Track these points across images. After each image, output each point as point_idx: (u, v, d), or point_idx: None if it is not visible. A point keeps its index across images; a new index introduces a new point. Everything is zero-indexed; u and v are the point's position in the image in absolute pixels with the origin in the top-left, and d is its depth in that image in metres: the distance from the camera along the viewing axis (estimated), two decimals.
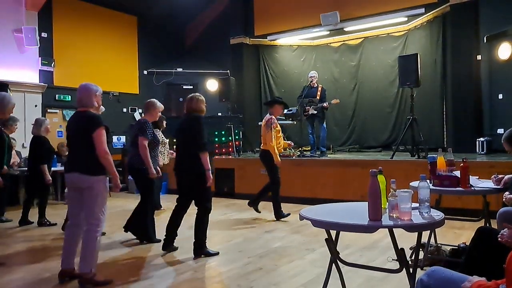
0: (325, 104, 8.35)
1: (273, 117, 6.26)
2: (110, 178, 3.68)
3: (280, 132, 6.40)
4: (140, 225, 5.03)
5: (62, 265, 3.66)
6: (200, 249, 4.41)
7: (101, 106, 4.39)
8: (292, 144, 7.22)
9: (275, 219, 6.25)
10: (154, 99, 5.29)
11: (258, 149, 10.15)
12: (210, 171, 4.32)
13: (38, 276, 3.88)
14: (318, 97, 8.43)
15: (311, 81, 8.68)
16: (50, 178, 6.20)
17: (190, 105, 4.51)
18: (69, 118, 4.01)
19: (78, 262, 3.55)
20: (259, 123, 9.62)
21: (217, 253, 4.47)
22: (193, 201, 4.49)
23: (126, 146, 10.77)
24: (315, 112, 8.35)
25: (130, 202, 7.42)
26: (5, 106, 4.35)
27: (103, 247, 4.76)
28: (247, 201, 6.63)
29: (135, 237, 5.14)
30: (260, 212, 6.43)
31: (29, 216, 6.30)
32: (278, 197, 6.25)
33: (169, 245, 4.56)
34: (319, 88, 8.54)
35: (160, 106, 5.23)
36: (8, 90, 8.32)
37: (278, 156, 6.13)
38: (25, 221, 6.24)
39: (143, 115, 5.38)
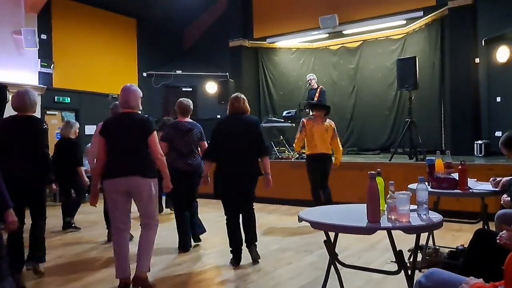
0: None
1: None
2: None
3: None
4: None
5: (121, 274, 3.42)
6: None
7: None
8: None
9: (276, 220, 6.28)
10: (183, 99, 5.00)
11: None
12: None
13: None
14: (316, 99, 8.43)
15: (309, 84, 8.70)
16: (88, 180, 5.91)
17: (239, 106, 4.32)
18: (109, 119, 3.74)
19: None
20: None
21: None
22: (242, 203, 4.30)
23: None
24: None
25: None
26: (32, 104, 3.90)
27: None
28: None
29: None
30: None
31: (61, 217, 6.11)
32: None
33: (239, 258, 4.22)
34: (318, 90, 8.55)
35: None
36: (7, 91, 8.31)
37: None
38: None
39: (188, 118, 4.92)
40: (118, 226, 3.49)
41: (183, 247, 4.70)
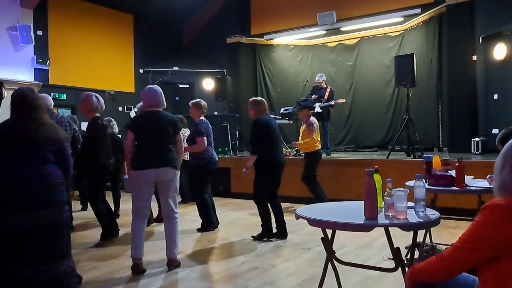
0: (332, 103, 8.53)
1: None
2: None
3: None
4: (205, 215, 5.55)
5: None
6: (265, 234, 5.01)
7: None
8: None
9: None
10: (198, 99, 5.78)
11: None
12: (246, 169, 5.04)
13: None
14: (326, 97, 8.60)
15: (319, 84, 8.90)
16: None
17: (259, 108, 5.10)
18: (139, 116, 4.37)
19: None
20: None
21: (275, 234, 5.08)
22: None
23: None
24: (320, 110, 8.43)
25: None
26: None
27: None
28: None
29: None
30: None
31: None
32: None
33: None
34: (328, 89, 8.74)
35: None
36: (3, 88, 8.27)
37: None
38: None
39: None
40: (142, 212, 4.00)
41: None
